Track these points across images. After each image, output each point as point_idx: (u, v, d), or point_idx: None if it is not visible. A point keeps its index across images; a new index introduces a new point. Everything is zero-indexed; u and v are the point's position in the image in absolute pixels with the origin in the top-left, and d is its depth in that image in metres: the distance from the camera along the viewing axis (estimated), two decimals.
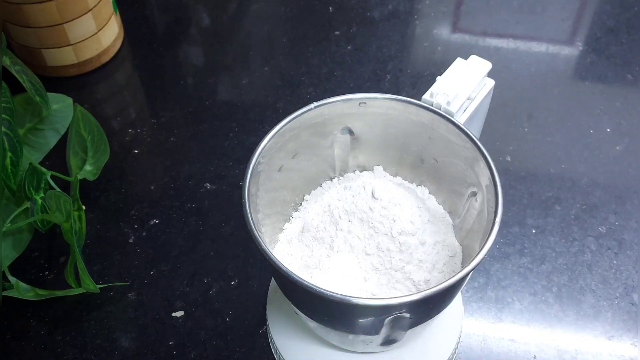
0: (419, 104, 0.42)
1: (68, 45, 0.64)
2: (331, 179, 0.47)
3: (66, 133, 0.57)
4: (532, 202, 0.57)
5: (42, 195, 0.52)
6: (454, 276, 0.35)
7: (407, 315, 0.36)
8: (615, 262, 0.53)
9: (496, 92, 0.47)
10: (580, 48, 0.69)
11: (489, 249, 0.36)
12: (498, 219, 0.37)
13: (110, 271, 0.53)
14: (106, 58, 0.68)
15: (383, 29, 0.71)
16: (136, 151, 0.61)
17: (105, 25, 0.66)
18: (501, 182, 0.38)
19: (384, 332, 0.38)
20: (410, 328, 0.39)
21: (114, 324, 0.50)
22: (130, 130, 0.63)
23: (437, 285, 0.35)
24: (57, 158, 0.58)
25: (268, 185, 0.42)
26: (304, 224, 0.44)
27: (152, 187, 0.58)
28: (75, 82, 0.66)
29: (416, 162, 0.46)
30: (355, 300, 0.34)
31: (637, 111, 0.63)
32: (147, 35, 0.72)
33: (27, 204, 0.51)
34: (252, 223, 0.37)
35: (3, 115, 0.49)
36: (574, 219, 0.56)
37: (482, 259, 0.35)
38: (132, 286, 0.52)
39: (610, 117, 0.63)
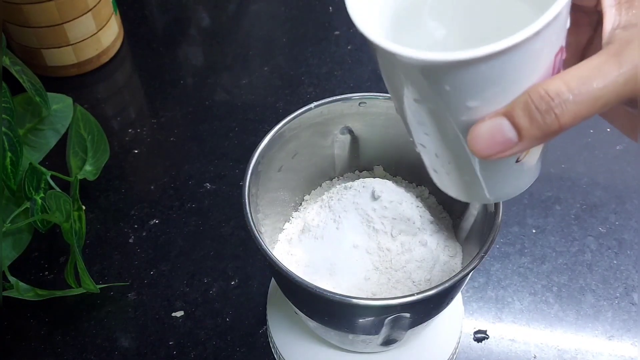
0: None
1: (68, 45, 0.64)
2: (331, 179, 0.47)
3: (66, 133, 0.57)
4: (532, 202, 0.57)
5: (42, 195, 0.52)
6: (454, 276, 0.35)
7: (407, 315, 0.36)
8: (615, 261, 0.53)
9: None
10: None
11: (489, 249, 0.36)
12: (498, 219, 0.37)
13: (110, 271, 0.53)
14: (106, 58, 0.68)
15: None
16: (136, 151, 0.61)
17: (105, 25, 0.65)
18: None
19: (384, 332, 0.38)
20: (410, 328, 0.39)
21: (114, 324, 0.50)
22: (130, 130, 0.63)
23: (437, 286, 0.35)
24: (57, 158, 0.58)
25: (268, 185, 0.42)
26: (304, 223, 0.44)
27: (152, 187, 0.58)
28: (75, 82, 0.66)
29: (416, 162, 0.45)
30: (355, 300, 0.35)
31: None
32: (147, 35, 0.72)
33: (27, 204, 0.51)
34: (252, 223, 0.37)
35: (3, 115, 0.49)
36: (574, 219, 0.56)
37: (482, 259, 0.35)
38: (132, 286, 0.52)
39: None
